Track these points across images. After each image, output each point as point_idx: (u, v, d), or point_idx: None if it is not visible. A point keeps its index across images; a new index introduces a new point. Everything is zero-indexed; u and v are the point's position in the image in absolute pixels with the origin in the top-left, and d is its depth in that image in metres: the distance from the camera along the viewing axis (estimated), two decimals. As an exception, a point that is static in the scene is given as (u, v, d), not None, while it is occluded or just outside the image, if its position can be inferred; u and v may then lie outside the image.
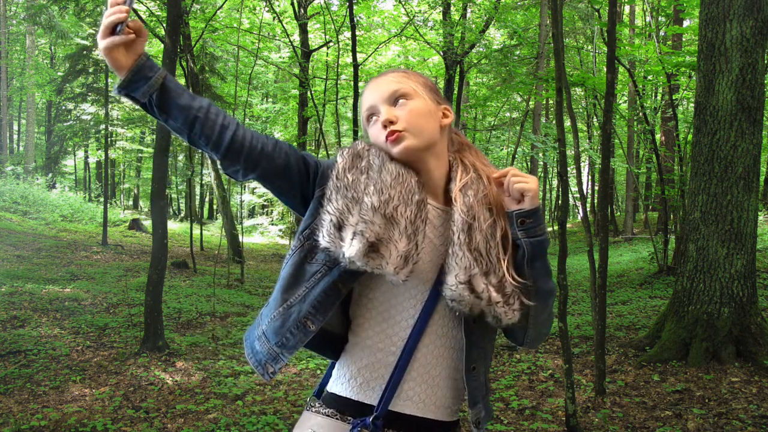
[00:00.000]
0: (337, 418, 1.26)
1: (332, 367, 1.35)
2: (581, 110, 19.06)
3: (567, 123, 8.58)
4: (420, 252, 1.20)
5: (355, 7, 10.98)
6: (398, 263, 1.17)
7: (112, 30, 1.12)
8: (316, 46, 13.82)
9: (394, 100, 1.27)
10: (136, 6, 11.24)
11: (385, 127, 1.26)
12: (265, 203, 26.47)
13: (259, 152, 1.21)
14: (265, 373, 1.27)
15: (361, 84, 8.23)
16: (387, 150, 1.27)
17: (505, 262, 1.23)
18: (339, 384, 1.29)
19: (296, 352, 1.27)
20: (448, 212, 1.28)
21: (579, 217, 20.22)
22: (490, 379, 1.40)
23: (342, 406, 1.27)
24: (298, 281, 1.24)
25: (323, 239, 1.19)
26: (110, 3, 1.12)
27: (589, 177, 20.94)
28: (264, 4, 14.21)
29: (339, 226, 1.18)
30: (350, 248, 1.16)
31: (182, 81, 13.62)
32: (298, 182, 1.25)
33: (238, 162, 1.21)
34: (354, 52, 8.10)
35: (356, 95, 7.91)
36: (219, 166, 1.24)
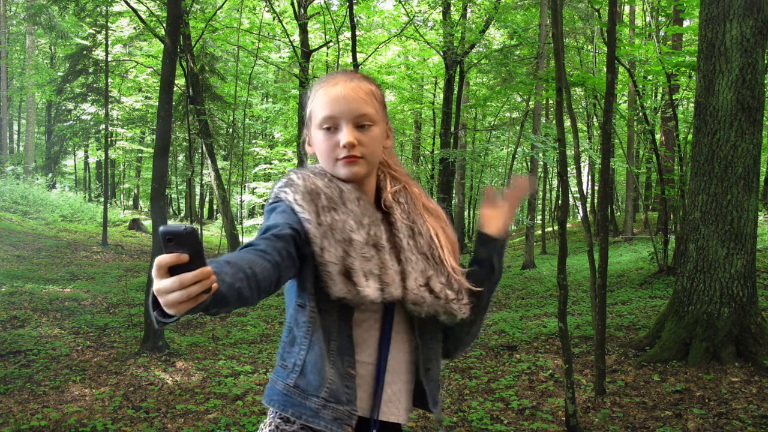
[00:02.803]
0: None
1: None
2: (581, 110, 19.06)
3: (567, 123, 8.58)
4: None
5: (355, 7, 10.98)
6: (399, 283, 1.19)
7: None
8: (316, 46, 13.82)
9: (361, 123, 1.24)
10: (135, 6, 11.21)
11: (344, 147, 1.23)
12: (265, 203, 26.43)
13: (277, 278, 1.11)
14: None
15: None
16: (329, 166, 1.26)
17: (447, 260, 1.27)
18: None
19: None
20: (382, 219, 1.30)
21: (579, 217, 20.22)
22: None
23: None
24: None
25: (337, 291, 1.15)
26: (196, 275, 0.88)
27: (589, 177, 20.93)
28: (264, 4, 14.21)
29: (347, 274, 1.15)
30: (371, 290, 1.15)
31: (182, 81, 13.60)
32: (299, 258, 1.18)
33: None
34: (354, 52, 8.11)
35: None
36: None
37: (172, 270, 0.88)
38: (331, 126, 1.24)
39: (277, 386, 1.24)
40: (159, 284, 0.88)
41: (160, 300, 0.89)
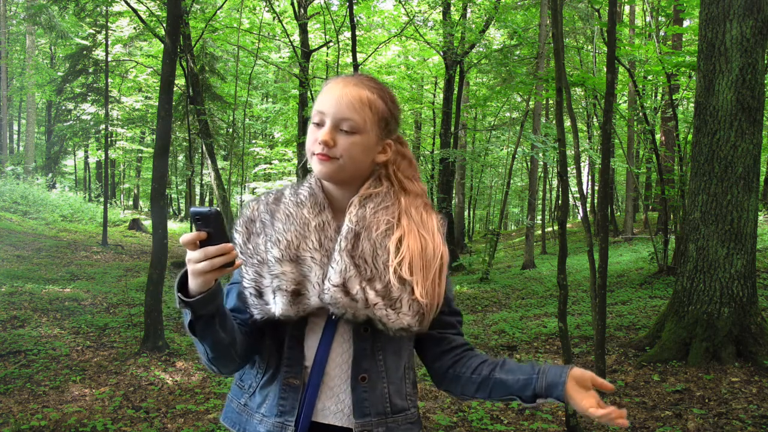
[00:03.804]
0: None
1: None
2: (581, 110, 19.06)
3: (567, 123, 8.58)
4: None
5: (355, 7, 10.98)
6: (318, 291, 1.19)
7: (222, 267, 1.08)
8: (316, 46, 13.82)
9: (342, 127, 1.24)
10: (135, 6, 11.24)
11: (320, 144, 1.23)
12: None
13: (251, 336, 1.26)
14: None
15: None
16: (309, 159, 1.27)
17: (394, 269, 1.22)
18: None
19: None
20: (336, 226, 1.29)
21: (579, 217, 20.22)
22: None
23: None
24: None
25: (255, 313, 1.22)
26: (219, 249, 1.05)
27: (589, 177, 20.94)
28: (264, 4, 14.21)
29: (259, 294, 1.21)
30: (277, 306, 1.19)
31: (182, 81, 13.60)
32: None
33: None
34: (354, 52, 8.12)
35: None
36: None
37: (202, 246, 1.05)
38: (319, 121, 1.26)
39: (232, 405, 1.33)
40: (188, 255, 1.06)
41: (189, 268, 1.06)
